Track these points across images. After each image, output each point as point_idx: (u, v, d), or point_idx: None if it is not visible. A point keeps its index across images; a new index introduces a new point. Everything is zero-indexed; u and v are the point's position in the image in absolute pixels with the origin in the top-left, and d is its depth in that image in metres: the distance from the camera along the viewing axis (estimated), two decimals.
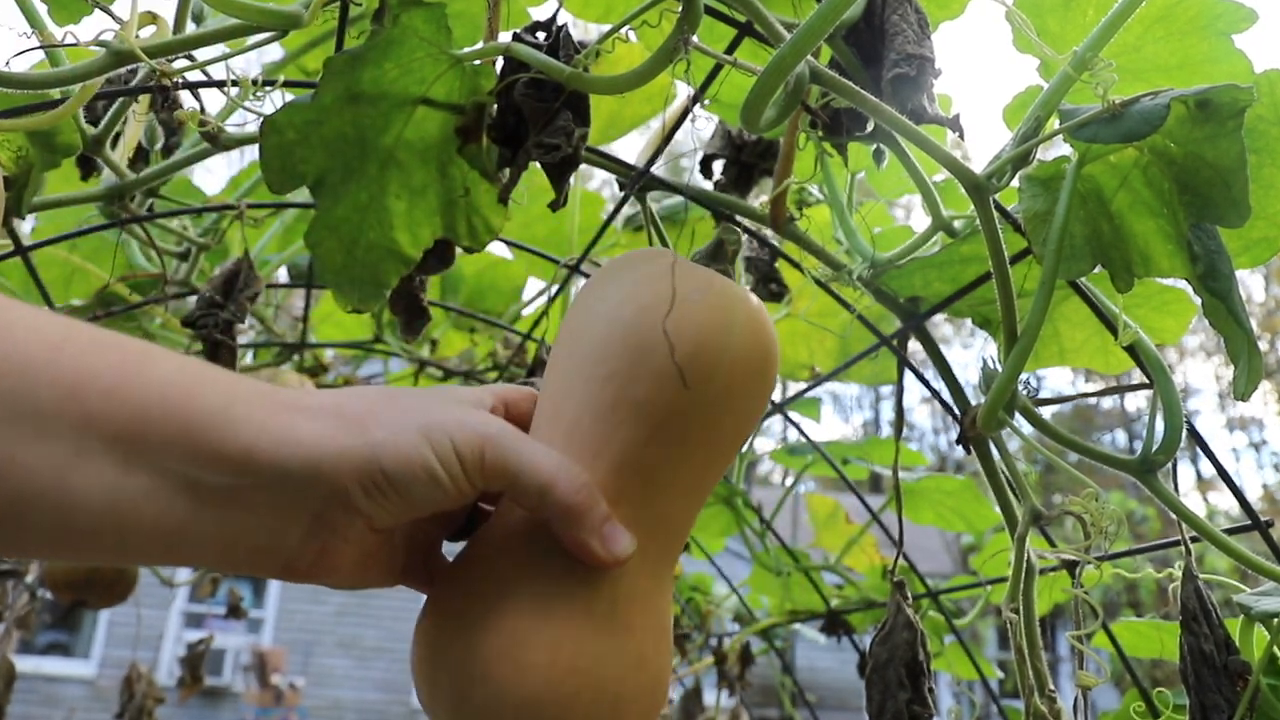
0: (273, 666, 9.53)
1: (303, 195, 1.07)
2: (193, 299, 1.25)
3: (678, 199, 1.33)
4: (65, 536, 0.38)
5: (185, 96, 1.12)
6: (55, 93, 0.88)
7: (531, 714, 0.44)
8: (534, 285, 1.78)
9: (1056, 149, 0.76)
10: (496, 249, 1.65)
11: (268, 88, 0.85)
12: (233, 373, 0.42)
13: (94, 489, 0.37)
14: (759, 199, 1.03)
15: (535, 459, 0.44)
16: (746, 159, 1.01)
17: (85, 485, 0.37)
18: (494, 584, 0.47)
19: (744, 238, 1.16)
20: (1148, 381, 0.77)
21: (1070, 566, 0.82)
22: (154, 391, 0.38)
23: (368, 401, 0.44)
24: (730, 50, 0.84)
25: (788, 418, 1.44)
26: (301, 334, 1.66)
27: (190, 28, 0.95)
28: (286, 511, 0.41)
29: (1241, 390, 0.65)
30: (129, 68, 0.86)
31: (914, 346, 1.00)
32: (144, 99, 1.05)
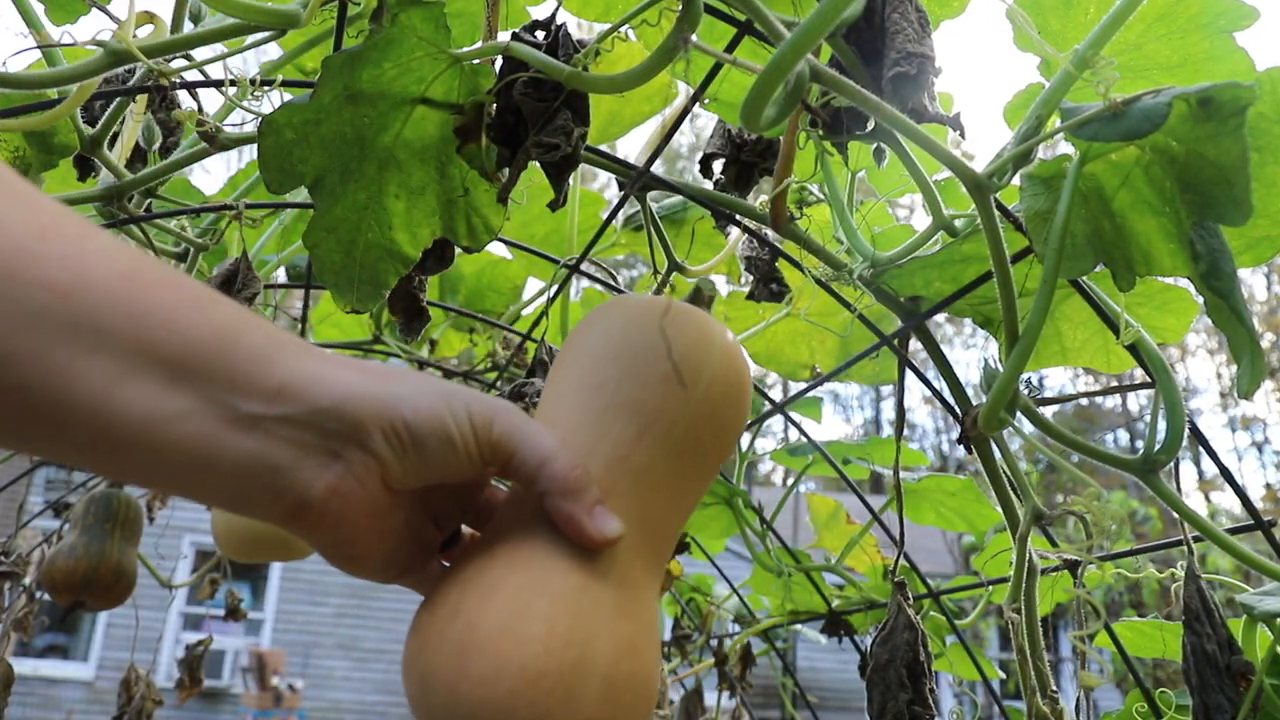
0: (272, 668, 9.52)
1: (301, 195, 1.07)
2: None
3: (677, 198, 1.33)
4: (100, 445, 0.41)
5: (183, 96, 1.11)
6: (52, 93, 0.87)
7: (529, 684, 0.45)
8: (533, 285, 1.78)
9: (1058, 147, 0.76)
10: (495, 249, 1.64)
11: (265, 87, 0.85)
12: (280, 328, 0.47)
13: (135, 404, 0.41)
14: (759, 198, 1.03)
15: (538, 436, 0.49)
16: (746, 158, 1.01)
17: (128, 400, 0.40)
18: (490, 572, 0.49)
19: (744, 237, 1.16)
20: (1150, 381, 0.77)
21: (1072, 566, 0.82)
22: (208, 329, 0.43)
23: (392, 369, 0.49)
24: (730, 49, 0.84)
25: (788, 417, 1.44)
26: (300, 334, 1.66)
27: (188, 27, 0.95)
28: (308, 444, 0.44)
29: (1244, 389, 0.65)
30: (126, 67, 0.85)
31: (915, 346, 1.00)
32: (141, 99, 1.04)
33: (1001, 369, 0.75)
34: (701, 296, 0.62)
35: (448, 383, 0.49)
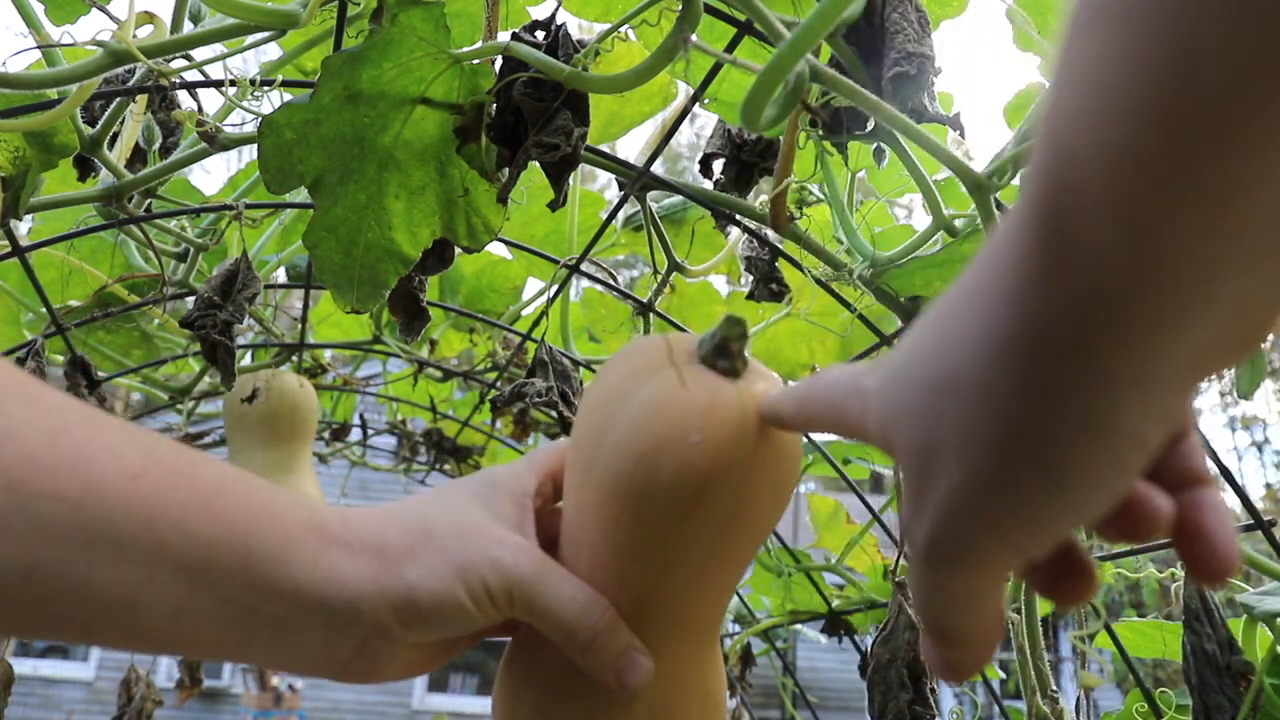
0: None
1: (301, 195, 1.07)
2: (191, 299, 1.25)
3: (677, 198, 1.33)
4: (131, 642, 0.43)
5: (183, 96, 1.11)
6: (52, 93, 0.87)
7: None
8: (533, 285, 1.78)
9: None
10: (495, 249, 1.64)
11: (265, 87, 0.85)
12: (292, 502, 0.47)
13: (161, 609, 0.41)
14: (759, 198, 1.03)
15: (559, 605, 0.48)
16: (746, 158, 1.01)
17: (153, 605, 0.41)
18: (553, 681, 0.52)
19: (744, 237, 1.16)
20: None
21: None
22: (220, 528, 0.43)
23: (409, 538, 0.48)
24: (730, 49, 0.84)
25: None
26: (300, 335, 1.66)
27: (188, 27, 0.95)
28: (333, 638, 0.46)
29: (1244, 389, 0.65)
30: (126, 67, 0.85)
31: None
32: (141, 99, 1.05)
33: None
34: (729, 347, 0.46)
35: (469, 543, 0.48)
